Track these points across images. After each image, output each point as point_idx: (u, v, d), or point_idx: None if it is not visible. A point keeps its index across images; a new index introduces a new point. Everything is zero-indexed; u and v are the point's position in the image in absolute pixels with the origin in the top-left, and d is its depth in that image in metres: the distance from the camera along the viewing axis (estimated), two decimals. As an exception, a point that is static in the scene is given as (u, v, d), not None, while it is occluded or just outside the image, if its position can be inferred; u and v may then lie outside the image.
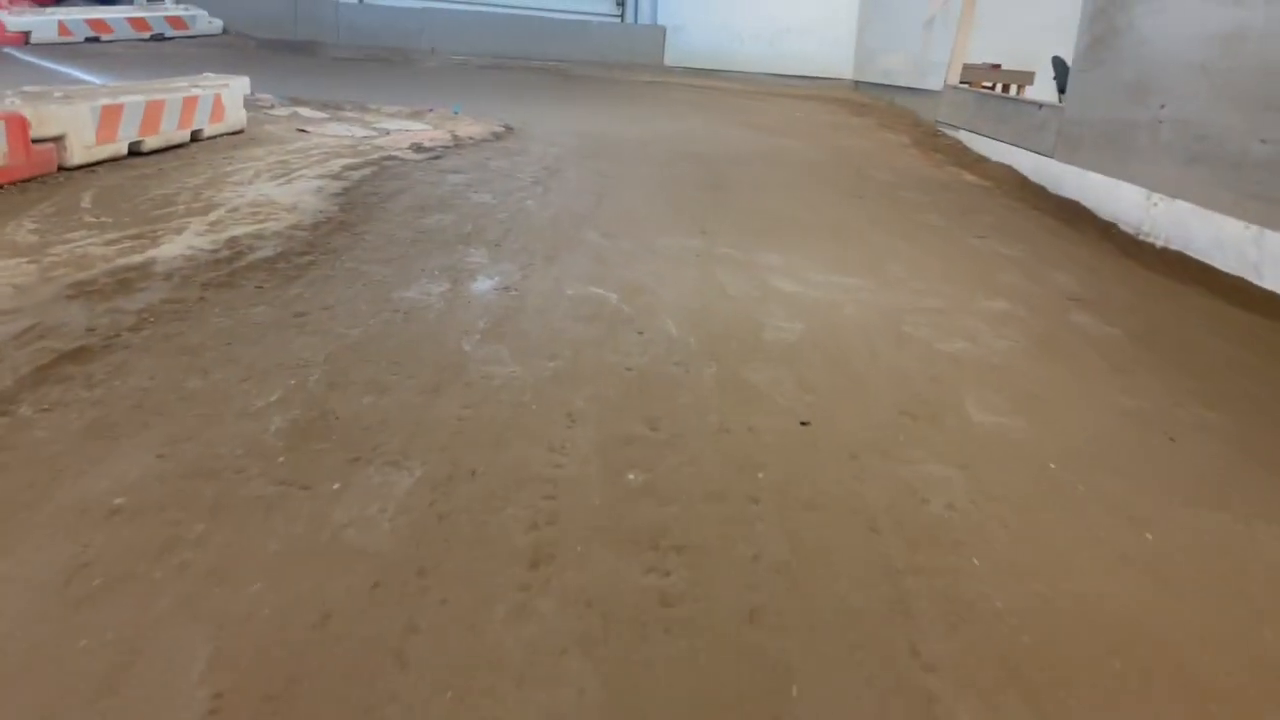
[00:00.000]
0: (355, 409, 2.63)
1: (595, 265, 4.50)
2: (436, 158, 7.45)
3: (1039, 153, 7.69)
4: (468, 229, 5.00)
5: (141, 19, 14.21)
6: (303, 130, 8.28)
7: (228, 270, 3.83)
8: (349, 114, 9.77)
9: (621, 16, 16.28)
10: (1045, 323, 4.19)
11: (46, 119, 5.18)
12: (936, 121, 10.50)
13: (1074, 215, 6.74)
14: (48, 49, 12.25)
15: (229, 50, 14.95)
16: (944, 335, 3.86)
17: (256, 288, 3.64)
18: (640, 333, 3.57)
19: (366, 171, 6.52)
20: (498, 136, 9.02)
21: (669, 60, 15.99)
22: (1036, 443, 2.87)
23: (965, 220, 6.41)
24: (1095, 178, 6.72)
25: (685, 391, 3.02)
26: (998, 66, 12.18)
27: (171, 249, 4.03)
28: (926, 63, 11.37)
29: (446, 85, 13.11)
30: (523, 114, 10.50)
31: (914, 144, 9.85)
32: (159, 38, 14.49)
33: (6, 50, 11.83)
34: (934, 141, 9.85)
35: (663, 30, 15.94)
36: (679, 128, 10.27)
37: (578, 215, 5.59)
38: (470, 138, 8.61)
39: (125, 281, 3.55)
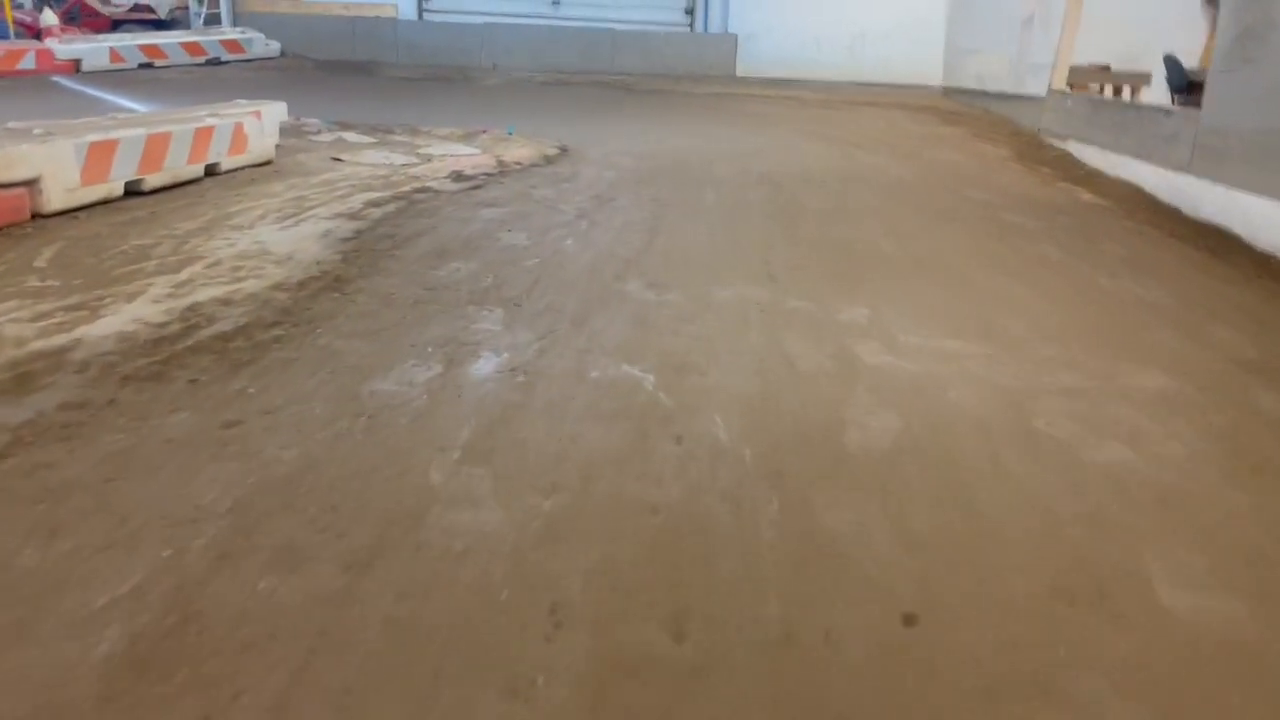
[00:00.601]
0: (237, 608, 1.79)
1: (634, 330, 3.61)
2: (476, 187, 6.66)
3: (1170, 168, 6.52)
4: (487, 282, 4.16)
5: (196, 43, 13.91)
6: (337, 159, 7.60)
7: (165, 354, 3.05)
8: (398, 138, 9.13)
9: (691, 25, 15.41)
10: (1225, 410, 3.14)
11: (14, 161, 4.52)
12: (1039, 130, 9.34)
13: (1221, 245, 5.59)
14: (99, 77, 11.96)
15: (285, 73, 14.56)
16: (1092, 435, 2.86)
17: (190, 381, 2.85)
18: (678, 439, 2.67)
19: (391, 208, 5.76)
20: (549, 160, 8.22)
21: (741, 70, 15.06)
22: (1274, 655, 1.87)
23: (1089, 252, 5.32)
24: (1247, 199, 5.56)
25: (732, 553, 2.10)
26: (1107, 68, 10.93)
27: (109, 324, 3.27)
28: (1025, 66, 10.19)
29: (505, 104, 12.43)
30: (581, 133, 9.71)
31: (1015, 157, 8.71)
32: (215, 62, 14.17)
33: (56, 79, 11.55)
34: (1038, 154, 8.70)
35: (734, 39, 15.02)
36: (749, 144, 9.33)
37: (622, 258, 4.71)
38: (518, 163, 7.82)
39: (26, 377, 2.80)
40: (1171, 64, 12.93)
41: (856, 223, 5.87)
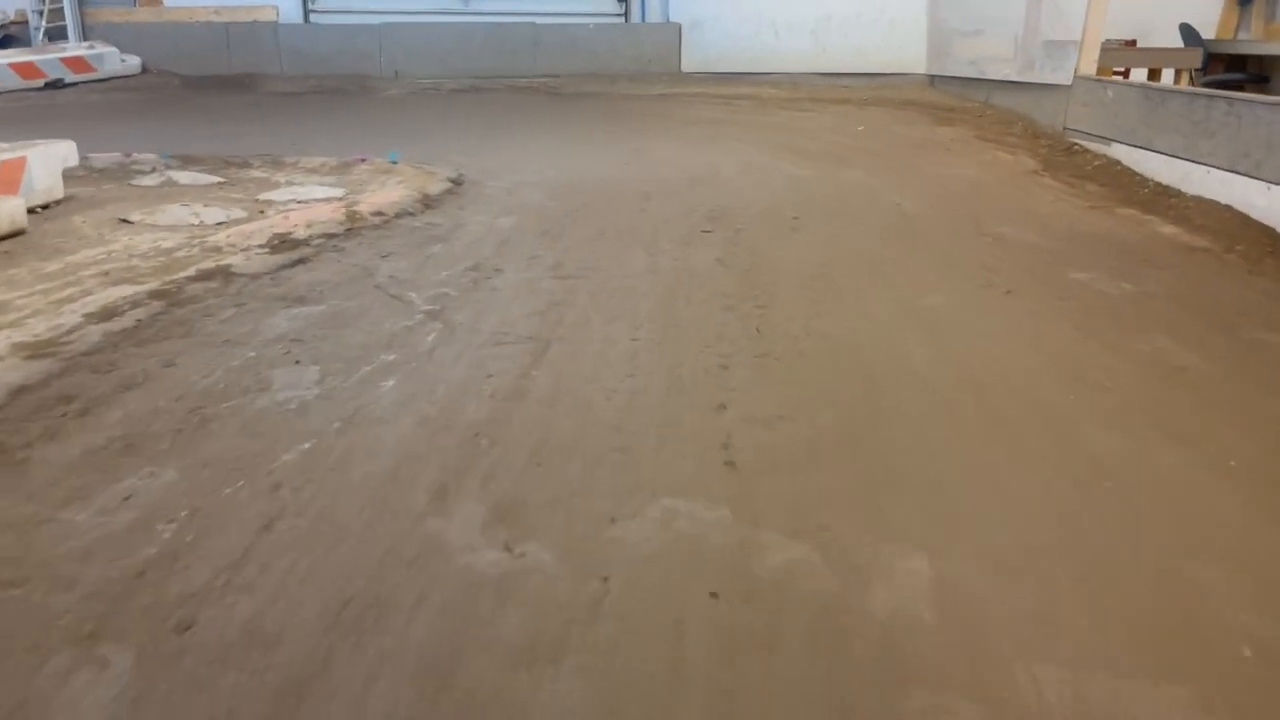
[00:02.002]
0: None
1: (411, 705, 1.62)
2: (296, 263, 4.65)
3: (1292, 186, 4.66)
4: (144, 552, 2.15)
5: (30, 63, 11.70)
6: (125, 221, 5.55)
7: None
8: (254, 173, 7.20)
9: (625, 15, 13.43)
10: None
11: None
12: (1065, 130, 7.47)
13: None
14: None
15: (143, 94, 12.40)
16: None
17: None
18: None
19: (129, 320, 3.73)
20: (427, 204, 6.22)
21: (688, 65, 13.10)
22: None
23: (1239, 351, 3.41)
24: None
25: None
26: (1133, 43, 9.11)
27: None
28: (1036, 46, 8.33)
29: (404, 120, 10.41)
30: (488, 156, 7.80)
31: (1043, 168, 6.83)
32: (57, 84, 11.96)
33: None
34: (1073, 163, 6.83)
35: (677, 29, 13.06)
36: (697, 164, 7.37)
37: (465, 434, 2.72)
38: (379, 213, 5.79)
39: None
40: (1189, 35, 11.19)
41: (857, 302, 3.93)
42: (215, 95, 12.51)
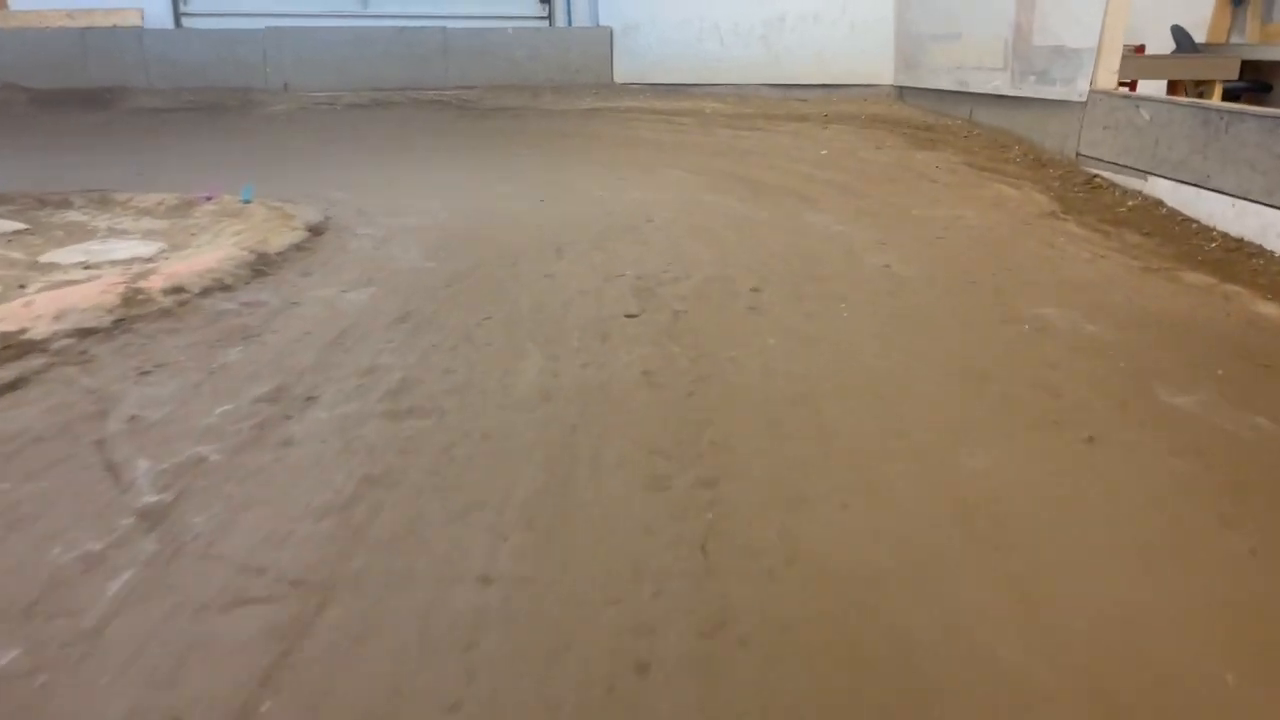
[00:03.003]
0: None
1: None
2: None
3: None
4: None
5: None
6: None
7: None
8: (72, 215, 5.94)
9: (550, 18, 11.93)
10: None
11: None
12: (1079, 157, 6.13)
13: None
14: None
15: (-25, 112, 10.60)
16: None
17: None
18: None
19: None
20: (257, 269, 4.69)
21: (621, 75, 11.64)
22: None
23: None
24: None
25: None
26: (1141, 49, 7.86)
27: None
28: (1035, 52, 6.99)
29: (283, 142, 8.84)
30: (372, 189, 6.38)
31: (1062, 208, 5.47)
32: None
33: None
34: (1098, 201, 5.48)
35: (608, 34, 11.60)
36: (628, 201, 5.92)
37: None
38: (177, 289, 4.21)
39: None
40: (1181, 36, 10.00)
41: (861, 473, 2.46)
42: (66, 113, 10.75)
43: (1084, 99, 6.08)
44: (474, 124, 9.98)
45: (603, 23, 11.64)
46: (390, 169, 7.36)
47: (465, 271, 4.59)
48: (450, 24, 11.64)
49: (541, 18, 11.96)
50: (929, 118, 8.74)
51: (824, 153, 7.52)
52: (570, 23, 11.87)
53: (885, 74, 10.20)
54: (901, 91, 10.05)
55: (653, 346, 3.45)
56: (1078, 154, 6.16)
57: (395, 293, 4.24)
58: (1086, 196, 5.58)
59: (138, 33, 11.45)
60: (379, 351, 3.44)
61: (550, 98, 11.34)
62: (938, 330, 3.59)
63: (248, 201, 6.30)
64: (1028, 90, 6.99)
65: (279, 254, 4.95)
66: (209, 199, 6.35)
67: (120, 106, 11.07)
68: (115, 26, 11.45)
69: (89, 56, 11.41)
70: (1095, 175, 5.82)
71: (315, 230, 5.58)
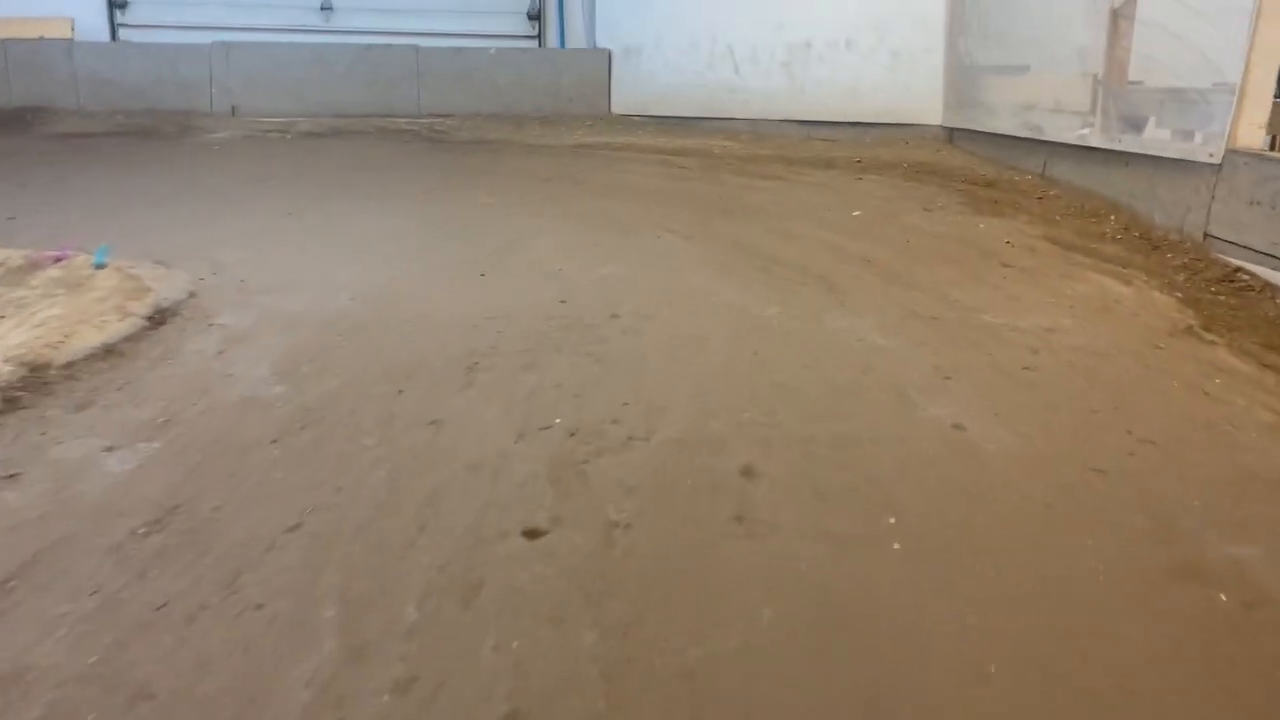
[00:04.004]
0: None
1: None
2: None
3: None
4: None
5: None
6: None
7: None
8: None
9: (539, 38, 10.51)
10: None
11: None
12: (1208, 238, 4.57)
13: None
14: None
15: None
16: None
17: None
18: None
19: None
20: (7, 401, 3.17)
21: (619, 105, 10.18)
22: None
23: None
24: None
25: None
26: None
27: None
28: (1134, 92, 5.46)
29: (205, 179, 7.55)
30: (277, 249, 5.30)
31: (1203, 322, 3.89)
32: None
33: None
34: (1252, 310, 3.92)
35: (605, 58, 10.15)
36: (591, 280, 4.45)
37: None
38: None
39: None
40: None
41: None
42: (-31, 137, 9.40)
43: (1215, 160, 4.52)
44: (440, 160, 8.52)
45: (600, 44, 10.20)
46: (317, 218, 5.94)
47: (317, 408, 3.09)
48: (424, 43, 10.23)
49: (530, 37, 10.54)
50: (988, 169, 7.18)
51: (857, 214, 5.98)
52: (563, 44, 10.44)
53: (932, 112, 8.67)
54: (951, 134, 8.51)
55: (549, 634, 1.91)
56: (1207, 235, 4.59)
57: (183, 455, 2.75)
58: (1233, 303, 4.00)
59: (67, 46, 10.11)
60: (52, 624, 1.92)
61: (536, 130, 9.89)
62: (1062, 597, 2.03)
63: (100, 266, 4.88)
64: (1128, 144, 5.43)
65: (69, 365, 3.49)
66: (59, 260, 4.95)
67: (39, 130, 9.71)
68: (41, 38, 10.12)
69: (10, 72, 10.08)
70: (1238, 269, 4.24)
71: (157, 318, 4.16)
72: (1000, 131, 7.34)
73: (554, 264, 4.95)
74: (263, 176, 7.67)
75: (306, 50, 10.14)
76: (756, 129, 9.47)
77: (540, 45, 10.51)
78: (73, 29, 10.16)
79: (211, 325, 4.07)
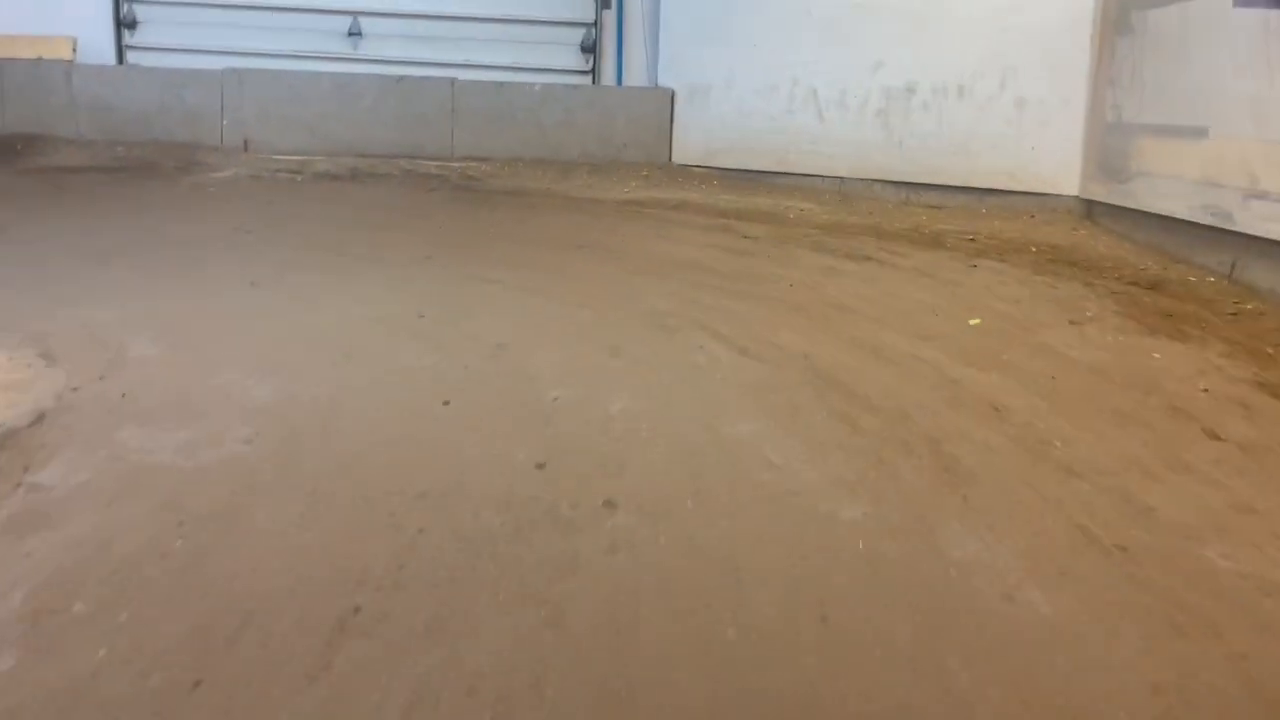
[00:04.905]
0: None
1: None
2: None
3: None
4: None
5: None
6: None
7: None
8: None
9: (594, 74, 9.25)
10: None
11: None
12: None
13: None
14: None
15: None
16: None
17: None
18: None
19: None
20: None
21: (681, 154, 8.84)
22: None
23: None
24: None
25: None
26: None
27: None
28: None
29: (180, 230, 6.50)
30: (199, 339, 4.10)
31: None
32: None
33: None
34: None
35: (668, 98, 8.83)
36: (589, 424, 3.07)
37: None
38: None
39: None
40: None
41: None
42: (-51, 167, 8.46)
43: None
44: (461, 215, 7.26)
45: (663, 83, 8.88)
46: (279, 294, 4.77)
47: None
48: (462, 75, 9.03)
49: (583, 71, 9.27)
50: (1150, 263, 5.60)
51: (975, 322, 4.48)
52: (620, 80, 9.15)
53: (1066, 180, 7.11)
54: (1091, 209, 6.94)
55: None
56: None
57: None
58: None
59: (66, 69, 9.15)
60: None
61: (583, 179, 8.58)
62: None
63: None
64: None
65: None
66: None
67: (23, 164, 8.73)
68: (39, 60, 9.19)
69: (4, 95, 9.16)
70: None
71: None
72: (1164, 212, 5.76)
73: (550, 387, 3.59)
74: (245, 229, 6.49)
75: (328, 80, 9.03)
76: (842, 188, 8.02)
77: (594, 82, 9.24)
78: (75, 49, 9.21)
79: (20, 486, 2.83)
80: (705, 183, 8.43)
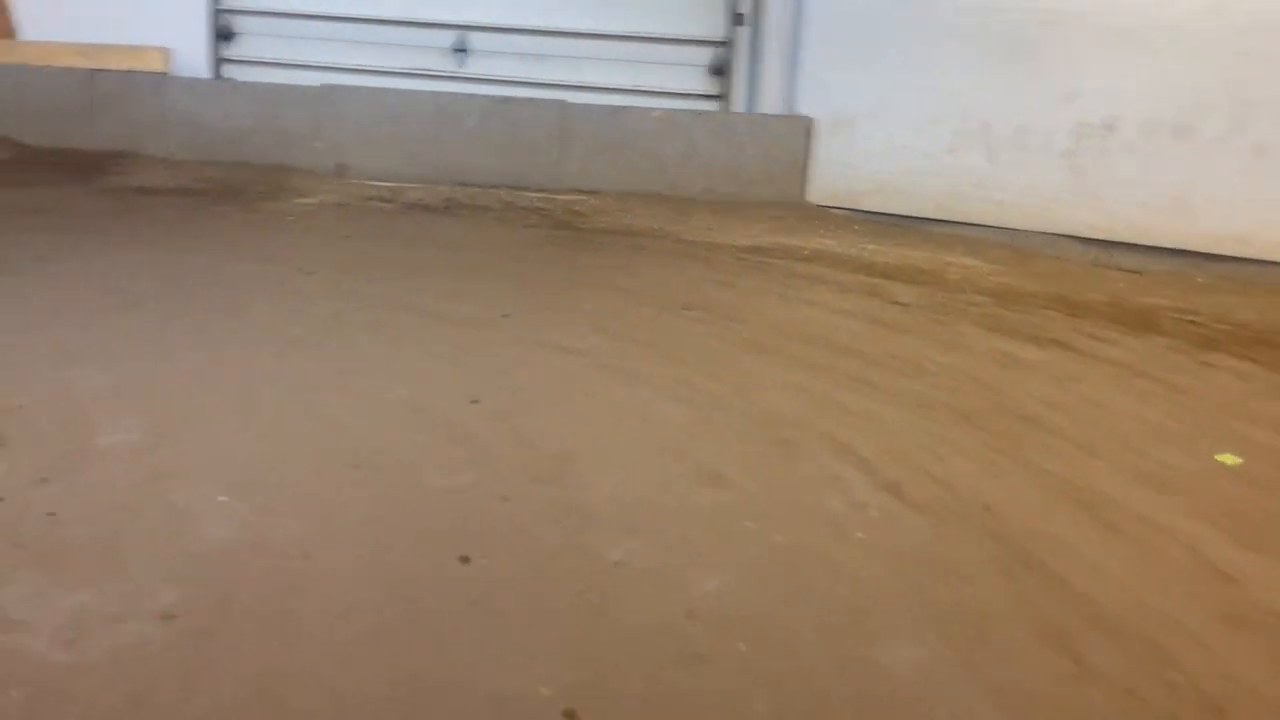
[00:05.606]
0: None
1: None
2: None
3: None
4: None
5: None
6: None
7: None
8: None
9: (724, 99, 8.18)
10: None
11: None
12: None
13: None
14: None
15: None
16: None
17: None
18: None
19: None
20: None
21: (818, 193, 7.68)
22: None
23: None
24: None
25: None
26: None
27: None
28: None
29: (236, 271, 5.70)
30: (190, 433, 2.97)
31: None
32: None
33: None
34: None
35: (806, 128, 7.68)
36: (669, 629, 1.88)
37: None
38: None
39: None
40: None
41: None
42: (28, 186, 7.99)
43: None
44: (554, 260, 6.31)
45: (801, 111, 7.73)
46: (314, 360, 3.98)
47: None
48: (574, 97, 8.10)
49: (711, 96, 8.20)
50: None
51: (1230, 461, 3.19)
52: (751, 108, 8.05)
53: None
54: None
55: None
56: None
57: None
58: None
59: (158, 81, 8.64)
60: None
61: (702, 219, 7.51)
62: None
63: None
64: None
65: None
66: None
67: (104, 182, 8.21)
68: (131, 71, 8.71)
69: (95, 108, 8.72)
70: None
71: None
72: None
73: (614, 539, 2.56)
74: (308, 269, 5.67)
75: (428, 100, 8.24)
76: (1019, 242, 6.69)
77: (723, 109, 8.17)
78: (168, 62, 8.70)
79: None
80: (845, 228, 7.23)
